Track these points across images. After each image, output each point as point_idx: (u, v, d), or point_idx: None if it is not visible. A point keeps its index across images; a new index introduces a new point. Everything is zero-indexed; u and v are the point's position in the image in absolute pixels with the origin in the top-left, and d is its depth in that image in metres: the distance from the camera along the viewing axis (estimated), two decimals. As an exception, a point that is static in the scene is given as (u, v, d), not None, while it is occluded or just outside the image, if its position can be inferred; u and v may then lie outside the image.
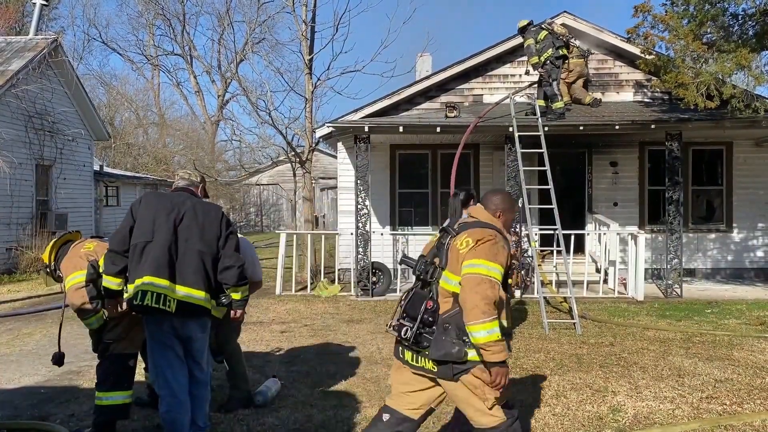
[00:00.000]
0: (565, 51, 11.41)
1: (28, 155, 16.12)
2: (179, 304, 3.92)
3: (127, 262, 4.00)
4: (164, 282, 3.89)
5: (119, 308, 4.29)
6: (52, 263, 4.76)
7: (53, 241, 4.84)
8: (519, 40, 13.10)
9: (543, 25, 11.73)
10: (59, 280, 4.79)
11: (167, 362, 4.00)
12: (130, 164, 31.25)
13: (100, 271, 4.58)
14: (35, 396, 5.55)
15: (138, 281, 3.91)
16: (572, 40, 12.25)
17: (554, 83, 11.37)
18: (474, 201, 6.06)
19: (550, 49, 11.25)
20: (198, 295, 3.98)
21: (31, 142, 16.26)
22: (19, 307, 10.51)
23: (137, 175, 27.43)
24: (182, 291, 3.94)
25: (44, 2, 19.16)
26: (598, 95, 12.76)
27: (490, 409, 3.21)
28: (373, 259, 11.43)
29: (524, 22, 11.66)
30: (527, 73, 12.27)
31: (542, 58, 11.25)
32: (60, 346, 4.80)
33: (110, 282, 4.08)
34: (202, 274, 3.99)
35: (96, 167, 21.49)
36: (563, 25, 12.29)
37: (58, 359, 4.73)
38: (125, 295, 4.01)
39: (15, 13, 25.91)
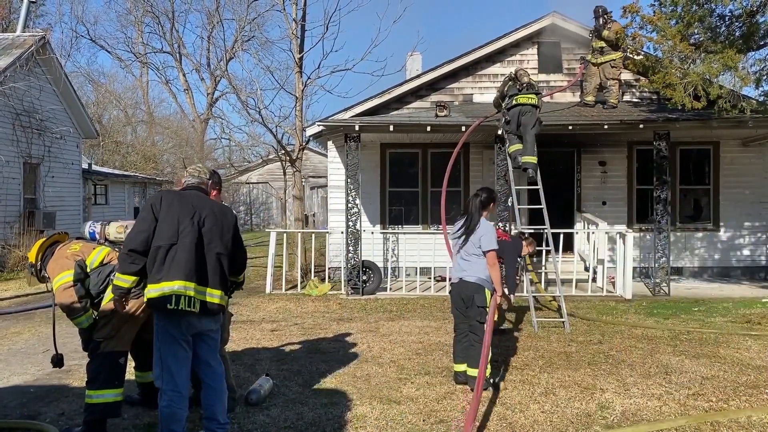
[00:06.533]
0: (532, 99, 9.81)
1: (15, 153, 16.00)
2: (202, 305, 4.06)
3: (145, 262, 4.02)
4: (192, 285, 4.00)
5: (125, 305, 4.31)
6: (38, 263, 4.75)
7: (41, 241, 4.83)
8: (508, 40, 13.26)
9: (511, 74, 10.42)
10: (43, 280, 4.79)
11: (174, 357, 4.03)
12: (119, 162, 31.08)
13: (88, 270, 4.59)
14: (24, 395, 5.52)
15: (166, 284, 3.95)
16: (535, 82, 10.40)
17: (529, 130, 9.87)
18: (495, 204, 5.97)
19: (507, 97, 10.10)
20: (218, 294, 4.15)
21: (18, 140, 16.13)
22: (7, 306, 10.42)
23: (126, 173, 27.26)
24: (206, 292, 4.09)
25: (32, -1, 19.00)
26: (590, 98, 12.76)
27: None
28: (363, 258, 11.45)
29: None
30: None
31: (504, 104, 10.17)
32: (56, 347, 4.79)
33: (125, 280, 4.07)
34: (221, 274, 4.18)
35: (84, 165, 21.35)
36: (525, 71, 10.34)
37: (58, 361, 4.73)
38: (149, 295, 3.99)
39: (2, 10, 25.66)
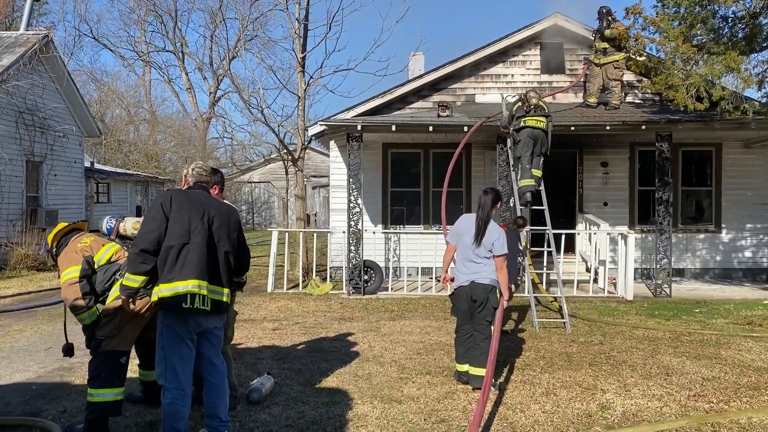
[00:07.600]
0: (541, 122, 9.57)
1: (18, 151, 16.02)
2: (213, 303, 4.10)
3: (156, 262, 4.03)
4: (204, 284, 4.05)
5: (132, 304, 4.31)
6: (54, 249, 4.81)
7: (61, 226, 4.87)
8: (511, 40, 13.25)
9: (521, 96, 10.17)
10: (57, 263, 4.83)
11: (180, 355, 4.05)
12: (121, 161, 31.13)
13: (95, 267, 4.60)
14: (27, 392, 5.54)
15: (180, 283, 3.97)
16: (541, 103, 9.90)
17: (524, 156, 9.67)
18: (501, 203, 6.07)
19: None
20: (226, 292, 4.21)
21: (21, 138, 16.16)
22: (9, 304, 10.45)
23: (128, 172, 27.31)
24: (216, 290, 4.13)
25: (35, -3, 19.04)
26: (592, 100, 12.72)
27: None
28: (365, 257, 11.46)
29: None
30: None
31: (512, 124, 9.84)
32: (67, 337, 4.82)
33: (135, 280, 4.07)
34: (228, 273, 4.25)
35: (87, 164, 21.38)
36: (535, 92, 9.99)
37: (68, 350, 4.76)
38: (161, 294, 4.00)
39: (5, 8, 25.73)
